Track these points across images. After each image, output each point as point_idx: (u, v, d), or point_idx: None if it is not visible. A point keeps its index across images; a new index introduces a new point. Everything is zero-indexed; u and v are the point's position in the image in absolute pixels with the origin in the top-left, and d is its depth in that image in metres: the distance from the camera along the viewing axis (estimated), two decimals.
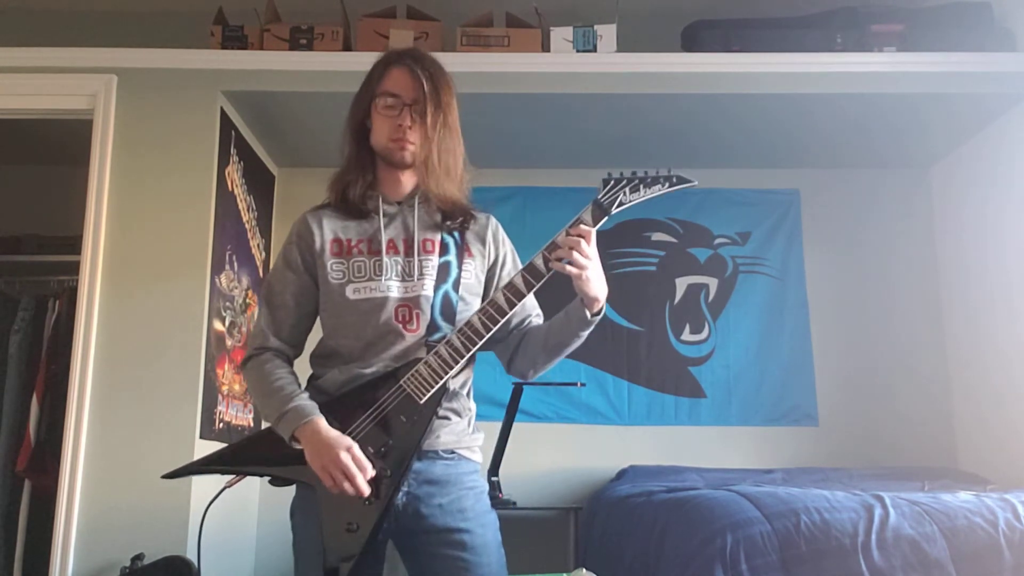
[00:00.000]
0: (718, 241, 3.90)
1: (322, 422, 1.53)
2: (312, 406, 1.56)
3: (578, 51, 3.21)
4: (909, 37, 3.24)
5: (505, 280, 1.72)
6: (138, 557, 2.76)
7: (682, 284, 3.87)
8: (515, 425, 3.29)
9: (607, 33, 3.21)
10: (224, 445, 1.99)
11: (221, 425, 3.15)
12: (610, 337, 3.79)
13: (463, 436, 1.66)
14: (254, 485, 3.59)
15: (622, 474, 3.46)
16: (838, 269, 3.87)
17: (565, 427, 3.73)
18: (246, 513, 3.52)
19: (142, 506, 2.83)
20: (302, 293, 1.67)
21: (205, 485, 2.88)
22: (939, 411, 3.72)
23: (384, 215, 1.67)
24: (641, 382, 3.78)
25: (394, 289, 1.62)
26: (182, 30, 3.38)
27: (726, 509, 2.16)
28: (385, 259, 1.63)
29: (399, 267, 1.64)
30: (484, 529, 1.61)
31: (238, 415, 3.37)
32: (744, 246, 3.90)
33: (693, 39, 3.33)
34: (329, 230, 1.67)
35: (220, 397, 3.16)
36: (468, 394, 1.71)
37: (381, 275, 1.62)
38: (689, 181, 1.56)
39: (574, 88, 3.20)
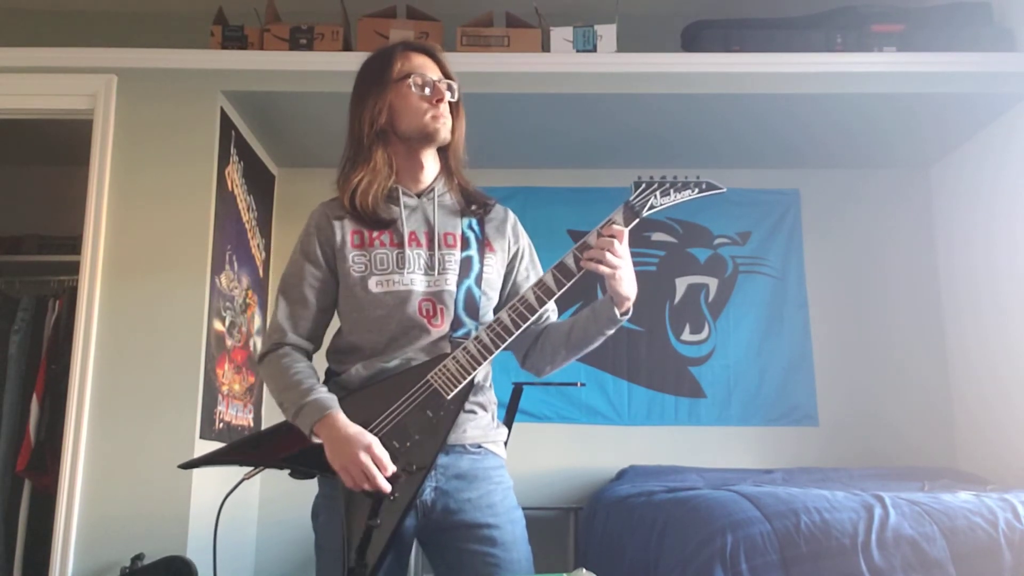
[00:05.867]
0: (718, 241, 3.90)
1: (341, 416, 1.49)
2: (331, 399, 1.52)
3: (578, 51, 3.21)
4: (909, 37, 3.24)
5: (523, 274, 1.73)
6: (138, 557, 2.77)
7: (682, 284, 3.87)
8: (515, 425, 3.28)
9: (607, 33, 3.21)
10: (223, 444, 1.97)
11: (221, 425, 3.15)
12: (610, 337, 3.77)
13: (488, 430, 1.64)
14: (254, 486, 3.59)
15: (622, 474, 3.46)
16: (838, 269, 3.87)
17: (565, 427, 3.73)
18: (246, 513, 3.52)
19: (142, 506, 2.83)
20: (320, 286, 1.63)
21: (206, 486, 2.88)
22: (939, 411, 3.72)
23: (405, 207, 1.64)
24: (641, 382, 3.78)
25: (418, 283, 1.59)
26: (182, 30, 3.38)
27: (726, 509, 2.17)
28: (408, 251, 1.60)
29: (422, 260, 1.61)
30: (513, 525, 1.58)
31: (238, 415, 3.37)
32: (744, 246, 3.89)
33: (693, 39, 3.33)
34: (349, 221, 1.63)
35: (220, 397, 3.16)
36: (490, 387, 1.68)
37: (404, 268, 1.59)
38: (718, 188, 1.56)
39: (574, 88, 3.20)
